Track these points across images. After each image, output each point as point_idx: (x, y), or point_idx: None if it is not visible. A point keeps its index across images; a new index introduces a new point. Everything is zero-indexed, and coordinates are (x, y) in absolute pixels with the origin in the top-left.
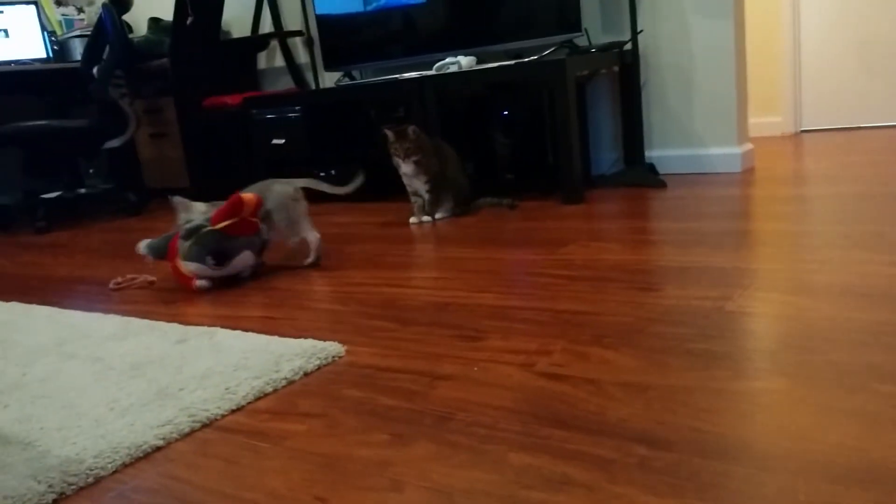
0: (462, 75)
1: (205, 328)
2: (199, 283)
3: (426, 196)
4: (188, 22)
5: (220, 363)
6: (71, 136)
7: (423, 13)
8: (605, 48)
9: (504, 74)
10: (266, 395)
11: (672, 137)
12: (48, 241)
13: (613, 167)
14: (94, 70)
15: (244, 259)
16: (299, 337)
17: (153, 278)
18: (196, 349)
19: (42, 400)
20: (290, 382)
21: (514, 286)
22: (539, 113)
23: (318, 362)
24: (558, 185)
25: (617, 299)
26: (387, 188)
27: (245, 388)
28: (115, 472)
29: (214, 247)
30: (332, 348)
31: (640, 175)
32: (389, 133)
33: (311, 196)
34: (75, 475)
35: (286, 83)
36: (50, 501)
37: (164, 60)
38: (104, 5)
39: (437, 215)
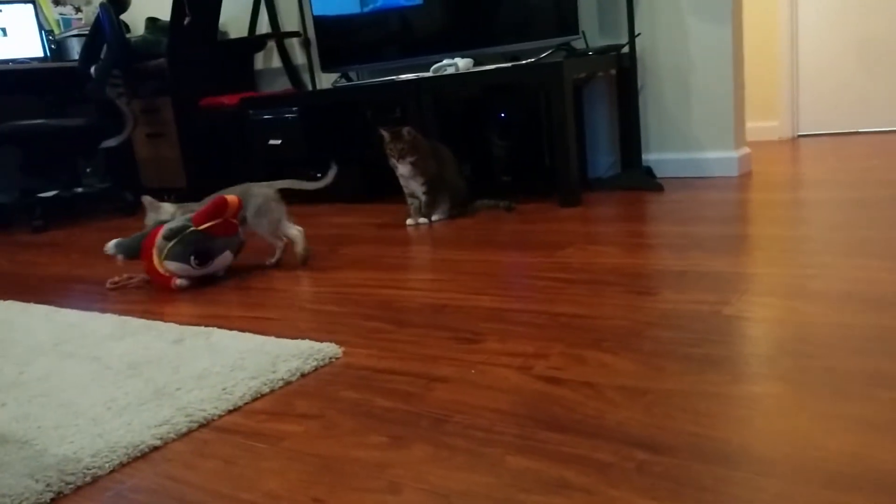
0: (459, 77)
1: (201, 328)
2: (178, 282)
3: (423, 198)
4: (186, 22)
5: (217, 363)
6: (68, 136)
7: (420, 15)
8: (602, 51)
9: (501, 77)
10: (263, 395)
11: (669, 141)
12: (45, 240)
13: (610, 170)
14: (92, 69)
15: (224, 259)
16: (296, 338)
17: (149, 277)
18: (193, 349)
19: (39, 399)
20: (287, 383)
21: (511, 289)
22: (536, 115)
23: (314, 363)
24: (555, 187)
25: (614, 303)
26: (383, 190)
27: (242, 388)
28: (112, 472)
29: (198, 247)
30: (329, 349)
31: (637, 178)
32: (385, 133)
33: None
34: (73, 474)
35: (283, 84)
36: (48, 500)
37: (162, 60)
38: (102, 5)
39: (434, 217)
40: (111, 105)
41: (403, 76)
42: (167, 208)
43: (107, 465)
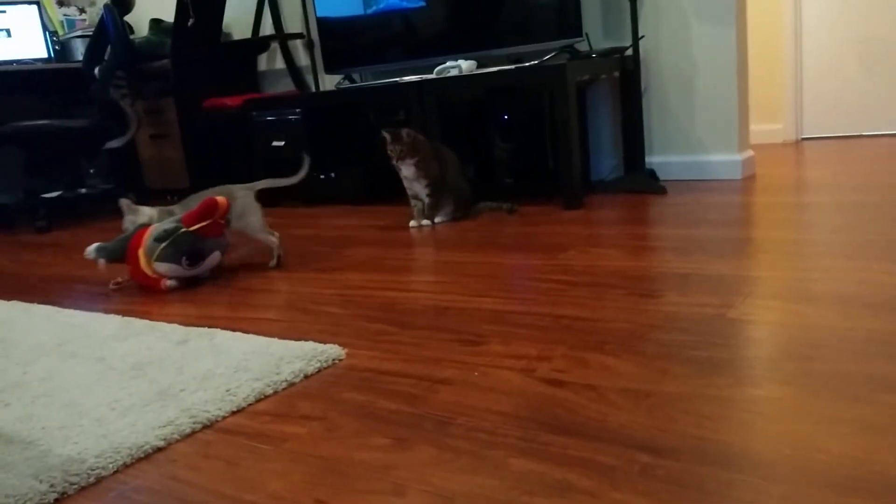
0: (462, 79)
1: (205, 329)
2: (168, 282)
3: (426, 200)
4: (189, 23)
5: (221, 364)
6: (72, 136)
7: (423, 16)
8: (605, 53)
9: (504, 79)
10: (266, 396)
11: (673, 143)
12: (49, 241)
13: (613, 173)
14: (96, 70)
15: (213, 260)
16: (299, 339)
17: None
18: (196, 350)
19: (43, 399)
20: (291, 385)
21: (514, 291)
22: (539, 117)
23: (318, 365)
24: (558, 190)
25: (617, 305)
26: (386, 192)
27: (246, 389)
28: (116, 472)
29: (189, 248)
30: (333, 351)
31: (641, 181)
32: (386, 134)
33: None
34: (77, 475)
35: (286, 85)
36: (52, 501)
37: (165, 62)
38: (106, 6)
39: (437, 219)
40: (115, 106)
41: (407, 78)
42: (145, 211)
43: (111, 465)
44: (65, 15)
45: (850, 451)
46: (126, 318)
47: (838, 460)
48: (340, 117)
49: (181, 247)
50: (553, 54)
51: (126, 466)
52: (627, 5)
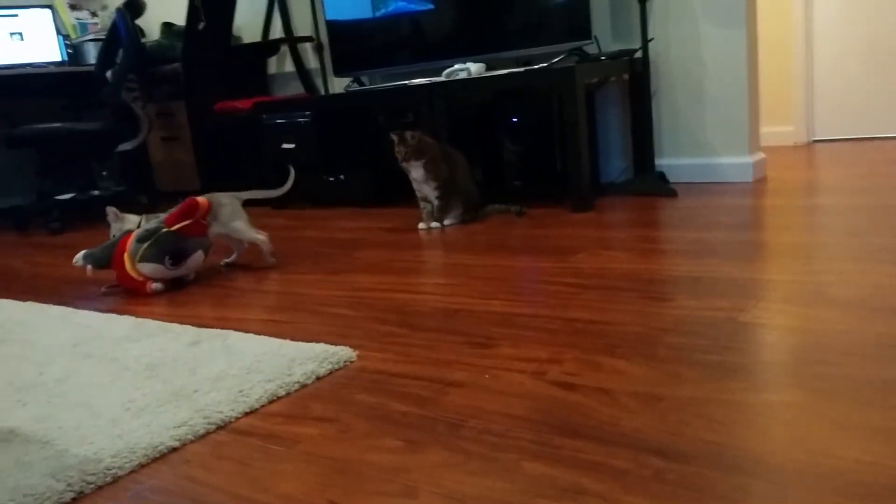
0: (471, 82)
1: (217, 331)
2: (154, 285)
3: (436, 202)
4: (200, 27)
5: (234, 366)
6: (85, 139)
7: (432, 19)
8: (615, 56)
9: (513, 81)
10: (279, 398)
11: (682, 146)
12: (62, 242)
13: (623, 175)
14: (108, 74)
15: (196, 259)
16: (311, 341)
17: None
18: (209, 351)
19: (59, 399)
20: (303, 386)
21: (524, 294)
22: (548, 120)
23: (329, 367)
24: (567, 192)
25: (628, 308)
26: (395, 194)
27: (258, 391)
28: (132, 472)
29: (172, 247)
30: (344, 353)
31: (650, 183)
32: (394, 136)
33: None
34: (94, 474)
35: (296, 88)
36: (69, 500)
37: (177, 65)
38: (118, 10)
39: (446, 222)
40: (127, 109)
41: (416, 81)
42: (132, 218)
43: (127, 465)
44: (77, 19)
45: (864, 456)
46: (139, 320)
47: (852, 465)
48: (350, 120)
49: (163, 247)
50: (562, 57)
51: (141, 466)
52: (637, 7)
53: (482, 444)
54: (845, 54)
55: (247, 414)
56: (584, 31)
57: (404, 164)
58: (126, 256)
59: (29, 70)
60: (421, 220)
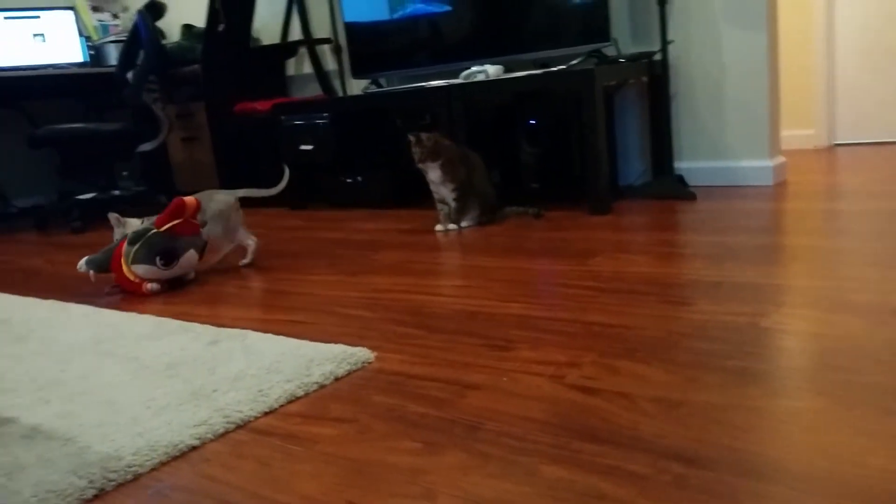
0: (489, 84)
1: (236, 331)
2: (150, 286)
3: (453, 204)
4: (220, 29)
5: (253, 365)
6: (106, 139)
7: (450, 21)
8: (634, 58)
9: (532, 83)
10: (298, 398)
11: (702, 149)
12: (83, 241)
13: (641, 178)
14: (129, 75)
15: (189, 259)
16: (329, 342)
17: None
18: (229, 351)
19: (81, 397)
20: (322, 387)
21: (542, 296)
22: (566, 122)
23: (348, 367)
24: (585, 195)
25: (648, 313)
26: (412, 195)
27: (277, 390)
28: (152, 470)
29: (162, 247)
30: (362, 354)
31: (669, 187)
32: (411, 137)
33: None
34: (115, 472)
35: (314, 90)
36: (90, 497)
37: (196, 66)
38: (139, 11)
39: (463, 223)
40: (147, 110)
41: (433, 83)
42: (134, 223)
43: (147, 463)
44: (99, 20)
45: (887, 464)
46: (159, 319)
47: (876, 474)
48: (368, 122)
49: (154, 247)
50: (581, 59)
51: (162, 464)
52: (656, 9)
53: (500, 447)
54: (867, 57)
55: (266, 414)
56: (603, 32)
57: (421, 166)
58: (122, 259)
59: (51, 71)
60: (438, 221)
